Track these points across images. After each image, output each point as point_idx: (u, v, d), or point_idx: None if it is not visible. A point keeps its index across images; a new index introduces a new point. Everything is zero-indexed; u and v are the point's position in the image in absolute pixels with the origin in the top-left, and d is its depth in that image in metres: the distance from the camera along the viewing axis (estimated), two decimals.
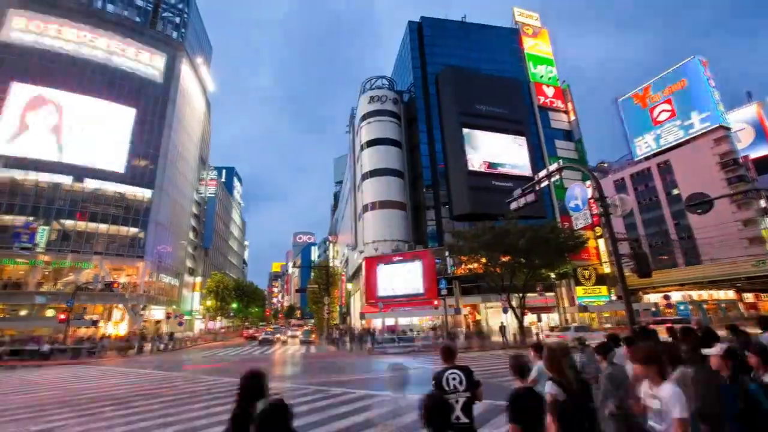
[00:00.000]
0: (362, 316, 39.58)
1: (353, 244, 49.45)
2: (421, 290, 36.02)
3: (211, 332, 60.47)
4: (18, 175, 42.03)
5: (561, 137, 46.61)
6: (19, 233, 39.53)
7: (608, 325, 34.90)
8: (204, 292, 64.36)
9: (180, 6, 61.76)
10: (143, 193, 48.40)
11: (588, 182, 36.10)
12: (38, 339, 30.86)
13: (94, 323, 38.90)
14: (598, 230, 38.34)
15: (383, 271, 38.19)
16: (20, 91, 43.90)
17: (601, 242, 39.21)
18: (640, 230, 51.90)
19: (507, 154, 42.39)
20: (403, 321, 36.92)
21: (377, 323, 37.92)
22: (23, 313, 39.06)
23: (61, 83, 46.02)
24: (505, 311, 28.97)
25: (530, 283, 29.25)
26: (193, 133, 65.82)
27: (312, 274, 77.25)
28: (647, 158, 56.09)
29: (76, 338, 33.59)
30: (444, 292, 31.13)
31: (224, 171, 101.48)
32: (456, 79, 43.64)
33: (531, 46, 50.77)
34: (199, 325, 62.93)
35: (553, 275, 31.71)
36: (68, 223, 43.11)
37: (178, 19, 61.15)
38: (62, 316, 30.83)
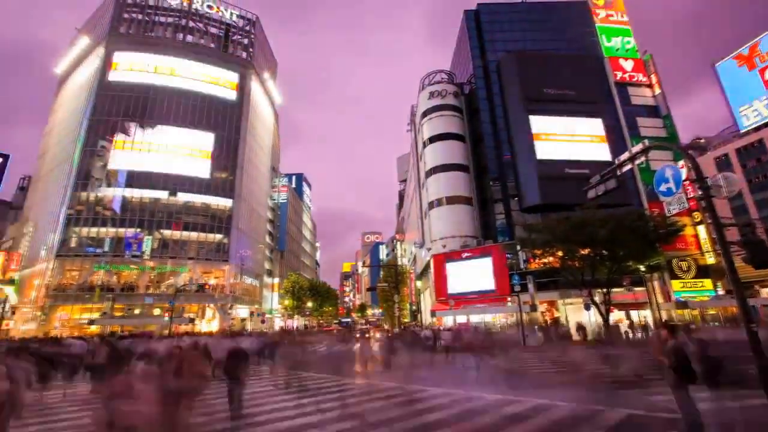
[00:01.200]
0: (433, 314, 39.33)
1: (420, 242, 49.33)
2: (492, 287, 34.76)
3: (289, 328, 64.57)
4: (127, 193, 48.69)
5: (644, 114, 41.76)
6: (130, 243, 45.89)
7: (715, 324, 30.55)
8: (282, 292, 68.83)
9: (247, 28, 66.75)
10: (225, 203, 53.23)
11: (681, 162, 31.95)
12: (150, 334, 35.43)
13: (191, 321, 43.72)
14: (697, 215, 34.10)
15: (452, 268, 37.55)
16: (126, 122, 50.84)
17: (701, 229, 34.50)
18: (753, 213, 44.69)
19: (581, 138, 39.19)
20: (475, 319, 35.96)
21: (448, 321, 37.42)
22: (137, 312, 45.11)
23: (154, 111, 52.41)
24: (587, 308, 26.78)
25: (615, 277, 26.69)
26: (264, 144, 70.72)
27: (381, 273, 78.69)
28: (757, 129, 48.08)
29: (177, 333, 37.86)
30: (517, 288, 29.68)
31: (294, 177, 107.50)
32: (518, 64, 41.34)
33: (603, 17, 46.21)
34: (279, 323, 67.41)
35: (642, 268, 28.56)
36: (166, 232, 48.92)
37: (246, 40, 66.19)
38: (166, 315, 35.02)
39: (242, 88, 60.60)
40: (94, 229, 47.11)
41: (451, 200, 41.26)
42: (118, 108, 51.42)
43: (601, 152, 38.27)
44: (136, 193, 48.93)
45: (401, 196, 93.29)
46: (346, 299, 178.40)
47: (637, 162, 13.03)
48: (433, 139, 44.19)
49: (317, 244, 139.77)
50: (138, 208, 48.68)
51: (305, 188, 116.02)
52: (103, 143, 49.53)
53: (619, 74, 43.21)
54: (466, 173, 42.71)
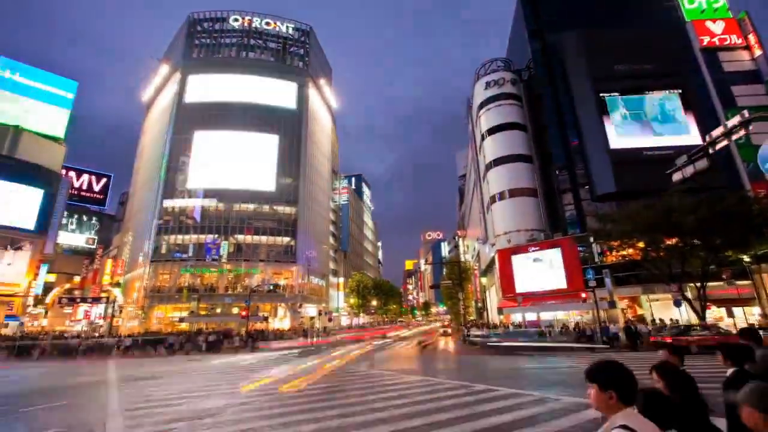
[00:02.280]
0: (500, 311, 37.97)
1: (483, 238, 47.85)
2: (563, 282, 32.61)
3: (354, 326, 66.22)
4: (205, 203, 53.47)
5: (741, 81, 36.24)
6: (210, 248, 50.24)
7: None
8: (347, 291, 70.90)
9: (302, 39, 69.75)
10: (290, 208, 56.21)
11: None
12: (229, 331, 38.56)
13: (265, 319, 46.82)
14: None
15: (518, 263, 35.88)
16: (200, 137, 55.88)
17: None
18: None
19: (660, 115, 35.25)
20: (546, 316, 34.05)
21: (516, 318, 35.92)
22: (218, 311, 49.35)
23: (223, 125, 56.93)
24: (677, 304, 23.95)
25: (712, 270, 23.54)
26: (324, 148, 73.32)
27: (444, 270, 77.77)
28: None
29: (253, 331, 40.65)
30: (592, 283, 27.50)
31: (353, 179, 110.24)
32: (582, 42, 38.20)
33: None
34: (345, 321, 69.57)
35: (746, 258, 24.89)
36: (240, 237, 52.87)
37: (302, 51, 69.25)
38: (243, 314, 37.85)
39: (301, 96, 63.52)
40: (179, 237, 52.43)
41: (514, 193, 39.45)
42: (194, 125, 56.73)
43: (687, 130, 34.14)
44: (213, 203, 53.61)
45: (461, 192, 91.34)
46: (410, 297, 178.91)
47: (735, 137, 11.37)
48: (491, 131, 42.57)
49: (379, 244, 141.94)
50: (214, 216, 53.29)
51: (364, 188, 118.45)
52: (183, 158, 54.89)
53: (707, 39, 38.01)
54: (529, 164, 40.55)
